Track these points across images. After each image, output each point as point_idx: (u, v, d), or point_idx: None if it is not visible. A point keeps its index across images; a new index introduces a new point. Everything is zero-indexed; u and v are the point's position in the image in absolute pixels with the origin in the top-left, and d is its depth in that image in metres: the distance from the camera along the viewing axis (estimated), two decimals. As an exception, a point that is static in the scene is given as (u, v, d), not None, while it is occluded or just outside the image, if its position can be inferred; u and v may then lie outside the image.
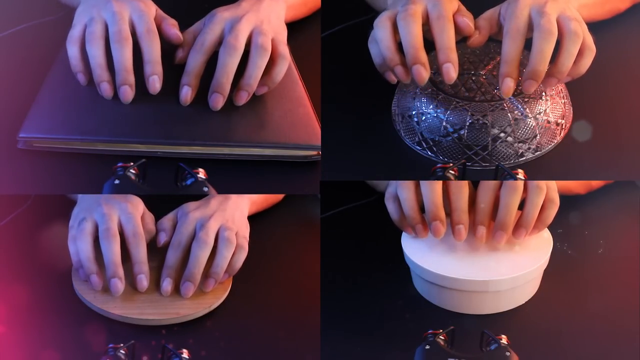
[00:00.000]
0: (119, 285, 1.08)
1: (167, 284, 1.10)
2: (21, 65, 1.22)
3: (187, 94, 1.09)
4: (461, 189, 1.10)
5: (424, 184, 1.10)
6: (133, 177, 1.03)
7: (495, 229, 1.10)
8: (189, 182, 1.04)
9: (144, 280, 1.09)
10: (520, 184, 1.09)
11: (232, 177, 1.09)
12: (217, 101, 1.08)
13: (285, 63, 1.11)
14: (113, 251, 1.08)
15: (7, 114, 1.12)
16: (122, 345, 1.03)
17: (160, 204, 1.17)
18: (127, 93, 1.07)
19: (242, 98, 1.09)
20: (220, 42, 1.09)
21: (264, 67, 1.09)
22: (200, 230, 1.11)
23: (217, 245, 1.11)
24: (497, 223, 1.10)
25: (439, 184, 1.09)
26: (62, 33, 1.21)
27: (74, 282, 1.12)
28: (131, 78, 1.07)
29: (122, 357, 1.02)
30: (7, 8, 1.32)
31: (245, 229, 1.15)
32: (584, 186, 1.25)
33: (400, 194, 1.11)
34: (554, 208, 1.11)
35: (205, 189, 1.03)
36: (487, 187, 1.10)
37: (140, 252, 1.09)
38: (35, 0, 1.34)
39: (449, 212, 1.11)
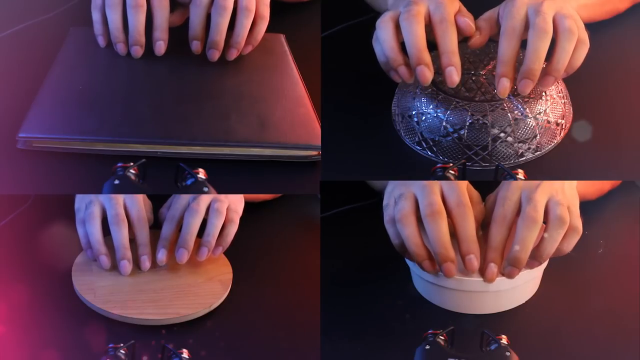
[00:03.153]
0: (128, 266, 1.13)
1: (162, 254, 1.14)
2: (21, 65, 1.22)
3: (197, 45, 1.18)
4: (466, 218, 1.05)
5: (427, 222, 1.05)
6: (133, 177, 1.04)
7: (507, 264, 1.06)
8: (189, 182, 1.04)
9: (146, 261, 1.14)
10: (539, 217, 1.04)
11: (232, 177, 1.09)
12: (214, 55, 1.18)
13: (265, 23, 1.20)
14: (123, 235, 1.13)
15: (7, 114, 1.12)
16: (122, 345, 1.03)
17: (160, 204, 1.18)
18: (138, 51, 1.18)
19: (233, 54, 1.20)
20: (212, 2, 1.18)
21: (249, 26, 1.19)
22: (192, 202, 1.15)
23: (208, 215, 1.15)
24: (510, 258, 1.05)
25: (444, 221, 1.04)
26: (62, 33, 1.21)
27: (74, 282, 1.12)
28: (142, 39, 1.18)
29: (122, 357, 1.02)
30: (7, 8, 1.32)
31: (238, 204, 1.18)
32: (596, 192, 1.24)
33: (402, 231, 1.06)
34: (576, 237, 1.07)
35: (205, 189, 1.03)
36: (502, 222, 1.06)
37: (145, 235, 1.14)
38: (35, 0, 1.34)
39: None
